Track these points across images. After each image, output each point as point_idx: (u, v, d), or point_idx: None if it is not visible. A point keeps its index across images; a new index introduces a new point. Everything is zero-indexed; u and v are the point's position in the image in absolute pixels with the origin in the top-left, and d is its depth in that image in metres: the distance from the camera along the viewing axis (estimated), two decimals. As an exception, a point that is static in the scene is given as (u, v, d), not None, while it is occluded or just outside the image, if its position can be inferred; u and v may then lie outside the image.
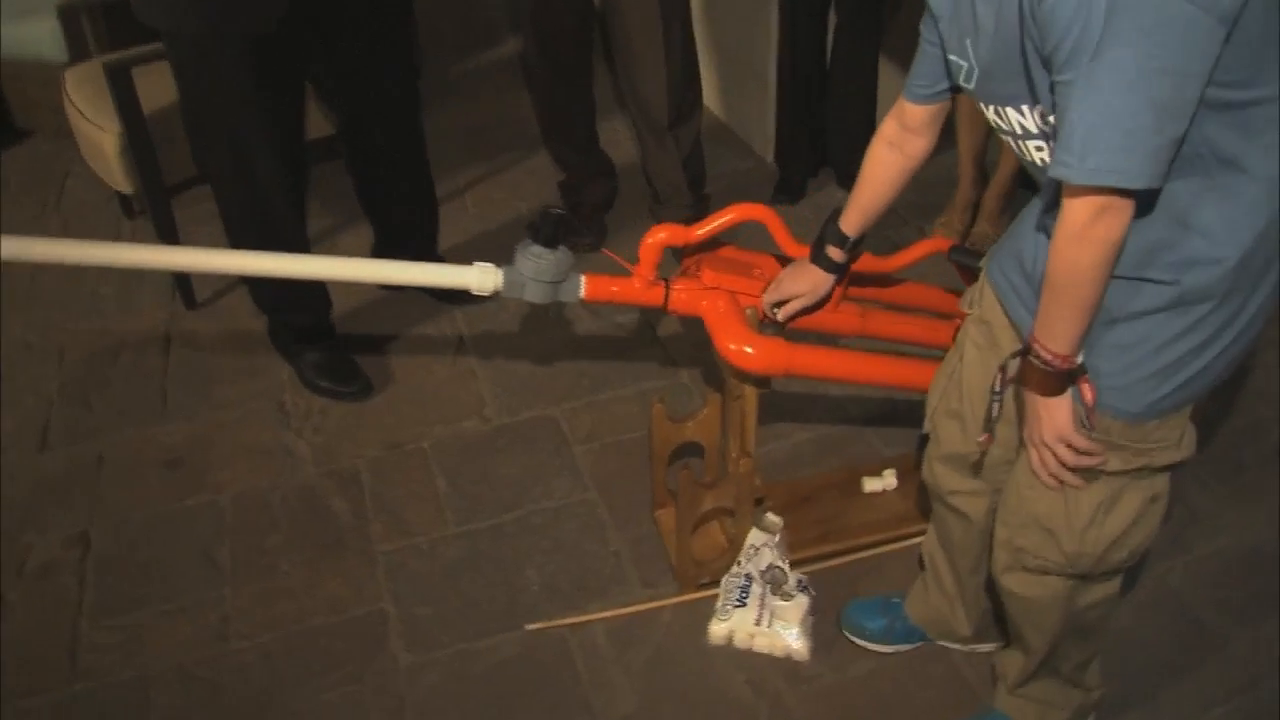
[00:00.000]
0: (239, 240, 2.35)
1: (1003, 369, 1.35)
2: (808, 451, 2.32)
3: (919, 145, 1.55)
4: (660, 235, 1.75)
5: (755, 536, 1.97)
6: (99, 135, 2.60)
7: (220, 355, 2.66)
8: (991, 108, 1.32)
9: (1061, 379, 1.27)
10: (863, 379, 1.86)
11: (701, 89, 2.83)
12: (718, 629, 1.91)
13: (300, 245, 2.41)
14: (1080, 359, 1.27)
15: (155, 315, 2.79)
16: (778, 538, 1.97)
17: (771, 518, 2.00)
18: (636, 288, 1.76)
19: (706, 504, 1.95)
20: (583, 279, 1.73)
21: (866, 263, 1.85)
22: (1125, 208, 1.13)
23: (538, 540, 2.13)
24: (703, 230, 1.77)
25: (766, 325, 1.80)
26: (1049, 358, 1.25)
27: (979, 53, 1.27)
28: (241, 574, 2.10)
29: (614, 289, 1.76)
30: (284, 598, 2.04)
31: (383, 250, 2.71)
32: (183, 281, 2.78)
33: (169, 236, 2.69)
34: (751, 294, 1.80)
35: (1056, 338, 1.24)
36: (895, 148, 1.56)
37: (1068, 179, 1.13)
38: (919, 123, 1.52)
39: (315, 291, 2.48)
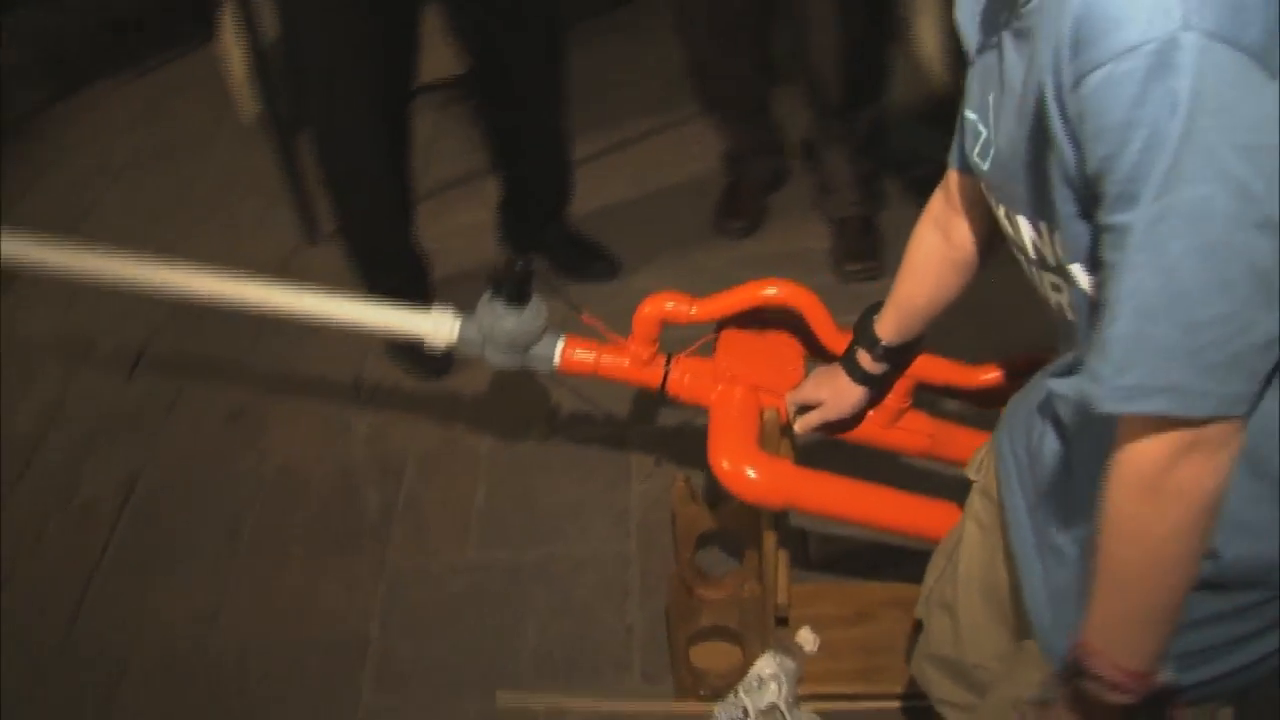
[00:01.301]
0: (333, 186, 2.20)
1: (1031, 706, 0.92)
2: (877, 551, 1.78)
3: (964, 232, 1.14)
4: (663, 306, 1.41)
5: (765, 665, 1.62)
6: (230, 53, 2.50)
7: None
8: (1001, 208, 0.92)
9: (1142, 711, 0.84)
10: (892, 526, 1.43)
11: (890, 68, 2.34)
12: (697, 764, 1.61)
13: (398, 198, 2.22)
14: (1167, 672, 0.84)
15: (281, 245, 2.71)
16: (794, 668, 1.61)
17: (804, 638, 1.65)
18: (626, 365, 1.44)
19: (703, 620, 1.62)
20: (559, 346, 1.43)
21: (946, 372, 1.43)
22: (1225, 437, 0.73)
23: (550, 594, 1.88)
24: (707, 311, 1.41)
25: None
26: (1117, 677, 0.82)
27: (1000, 121, 0.87)
28: (253, 555, 2.00)
29: (598, 364, 1.44)
30: (281, 596, 1.93)
31: (509, 206, 2.47)
32: (307, 213, 2.67)
33: (289, 170, 2.58)
34: (779, 391, 1.42)
35: (1125, 645, 0.82)
36: (939, 229, 1.15)
37: (1097, 403, 0.72)
38: (965, 199, 1.11)
39: (408, 253, 2.30)
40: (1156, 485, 0.74)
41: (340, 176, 2.16)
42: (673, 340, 1.44)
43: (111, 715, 1.77)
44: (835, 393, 1.34)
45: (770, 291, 1.39)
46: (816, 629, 1.68)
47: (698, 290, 1.43)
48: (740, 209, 2.53)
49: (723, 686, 1.65)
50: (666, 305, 1.40)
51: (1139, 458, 0.73)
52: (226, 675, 1.81)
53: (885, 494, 1.40)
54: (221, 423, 2.27)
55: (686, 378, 1.43)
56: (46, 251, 1.35)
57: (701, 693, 1.69)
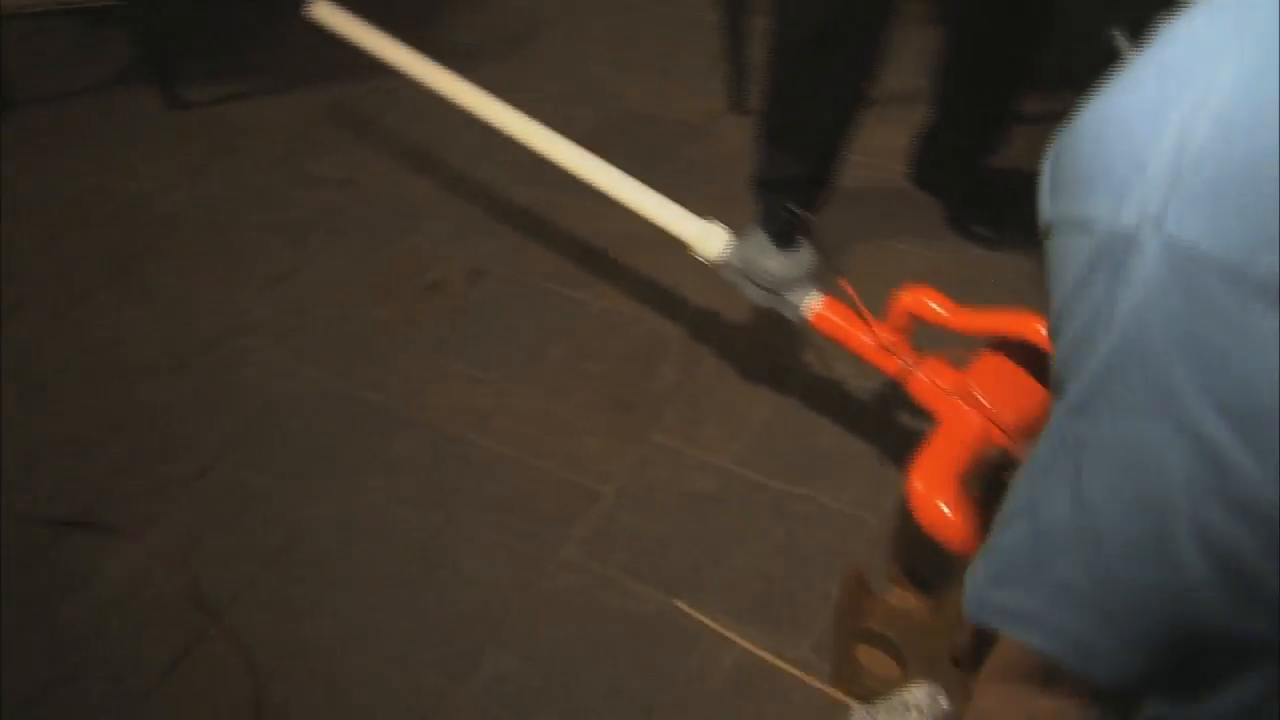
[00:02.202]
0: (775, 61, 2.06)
1: None
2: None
3: None
4: (924, 301, 1.31)
5: (918, 694, 1.52)
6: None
7: (713, 174, 2.56)
8: None
9: None
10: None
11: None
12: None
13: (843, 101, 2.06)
14: None
15: (708, 105, 2.75)
16: (944, 711, 1.50)
17: (943, 702, 1.53)
18: (868, 343, 1.35)
19: (869, 622, 1.54)
20: (813, 301, 1.37)
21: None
22: (1111, 698, 0.62)
23: (777, 531, 1.84)
24: (963, 322, 1.28)
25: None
26: None
27: None
28: (548, 378, 2.13)
29: (846, 331, 1.37)
30: (551, 425, 2.05)
31: (933, 139, 2.33)
32: (741, 80, 2.67)
33: (733, 31, 2.59)
34: (1013, 436, 1.29)
35: None
36: None
37: (967, 603, 0.63)
38: None
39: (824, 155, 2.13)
40: (1018, 703, 0.60)
41: (782, 53, 2.02)
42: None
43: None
44: None
45: (1016, 325, 1.25)
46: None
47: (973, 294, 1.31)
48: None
49: (874, 691, 1.58)
50: (927, 302, 1.30)
51: (1010, 667, 0.60)
52: (475, 469, 1.98)
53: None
54: (577, 256, 2.40)
55: (924, 385, 1.33)
56: (355, 28, 1.47)
57: (854, 688, 1.63)
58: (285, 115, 3.01)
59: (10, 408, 2.21)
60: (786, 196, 1.94)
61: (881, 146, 2.52)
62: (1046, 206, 0.55)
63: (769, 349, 2.15)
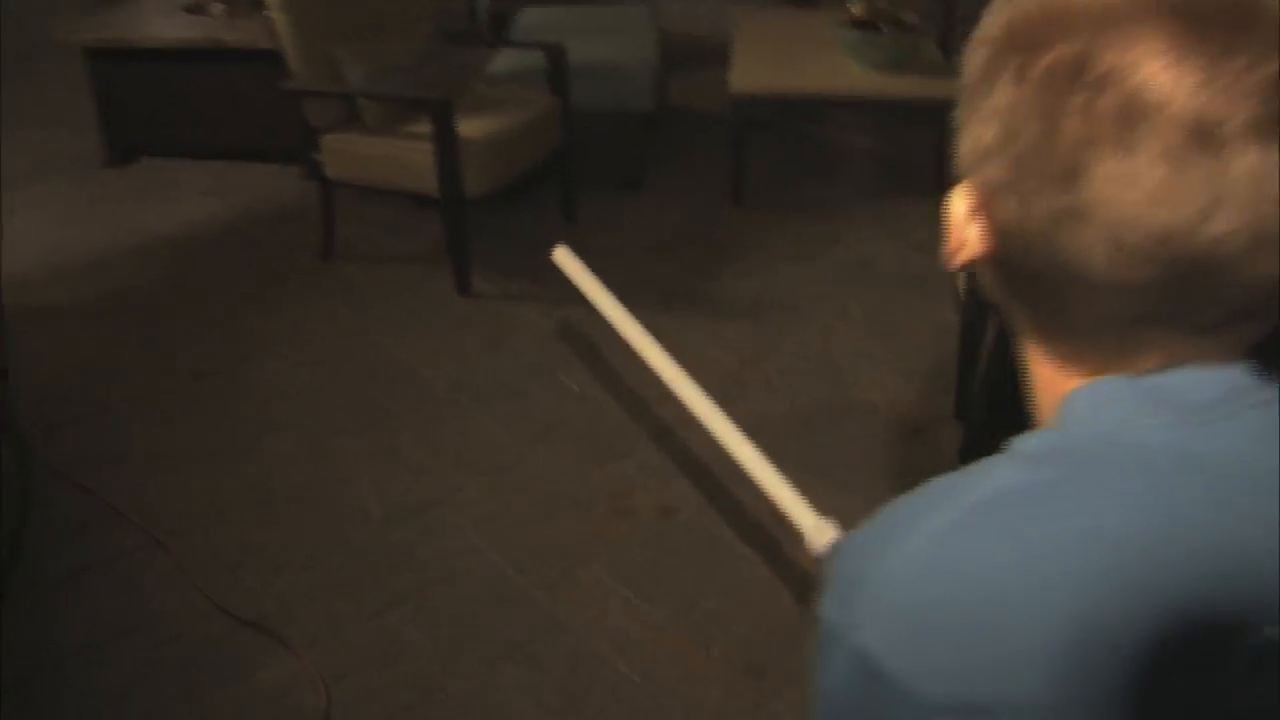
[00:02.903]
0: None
1: None
2: None
3: None
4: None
5: None
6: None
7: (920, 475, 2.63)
8: None
9: None
10: None
11: None
12: None
13: None
14: None
15: (935, 408, 2.85)
16: None
17: None
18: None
19: None
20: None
21: None
22: None
23: None
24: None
25: None
26: None
27: None
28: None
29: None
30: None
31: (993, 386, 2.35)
32: (961, 389, 2.77)
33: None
34: None
35: None
36: None
37: None
38: None
39: None
40: None
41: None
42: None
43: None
44: None
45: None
46: None
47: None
48: None
49: None
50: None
51: None
52: (604, 687, 2.07)
53: None
54: (762, 517, 2.52)
55: None
56: (584, 277, 1.67)
57: None
58: (551, 323, 3.34)
59: (244, 513, 2.51)
60: None
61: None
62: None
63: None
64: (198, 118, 4.55)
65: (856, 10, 4.19)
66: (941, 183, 2.73)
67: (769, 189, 4.30)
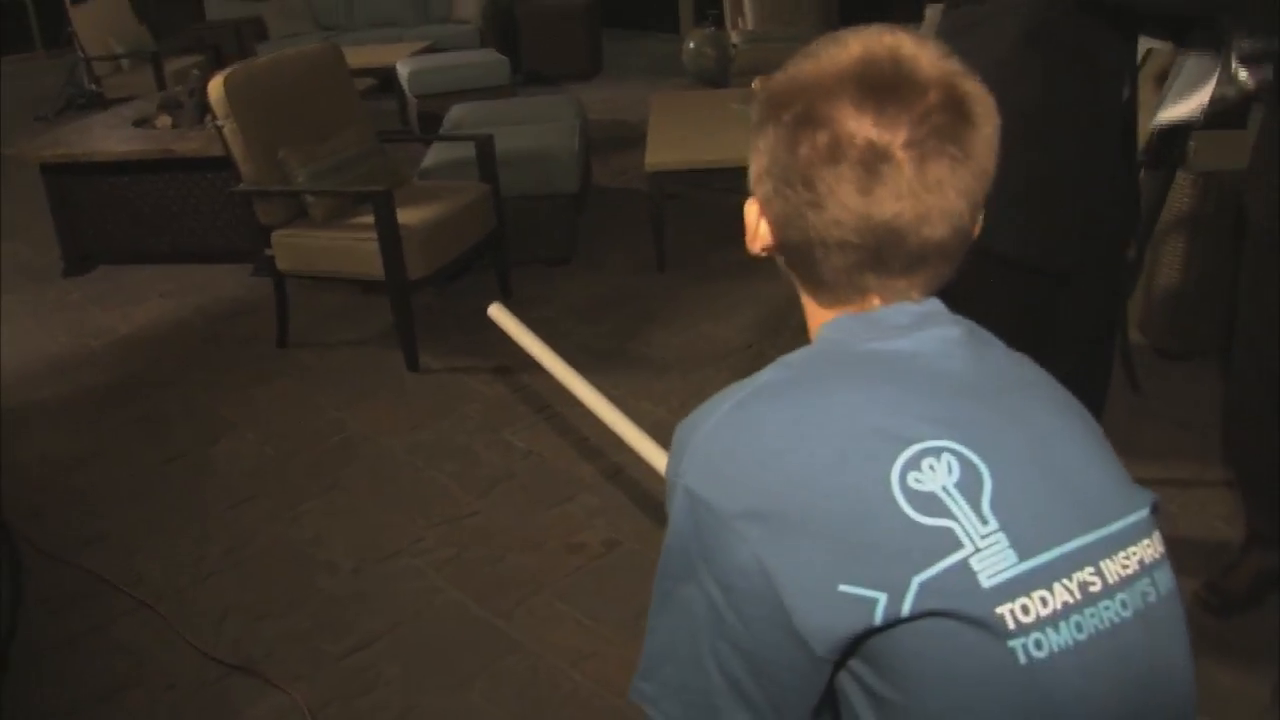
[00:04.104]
0: None
1: None
2: None
3: None
4: None
5: None
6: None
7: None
8: None
9: None
10: None
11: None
12: None
13: None
14: None
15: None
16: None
17: None
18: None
19: None
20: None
21: None
22: None
23: None
24: None
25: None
26: None
27: None
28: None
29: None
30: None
31: None
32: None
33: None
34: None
35: None
36: None
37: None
38: None
39: None
40: None
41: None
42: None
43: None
44: None
45: None
46: None
47: None
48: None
49: None
50: None
51: None
52: (562, 695, 2.32)
53: None
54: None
55: None
56: (520, 332, 1.95)
57: None
58: (495, 391, 3.62)
59: (224, 575, 2.74)
60: None
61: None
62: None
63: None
64: (151, 225, 4.83)
65: (757, 86, 4.59)
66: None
67: (689, 254, 4.65)
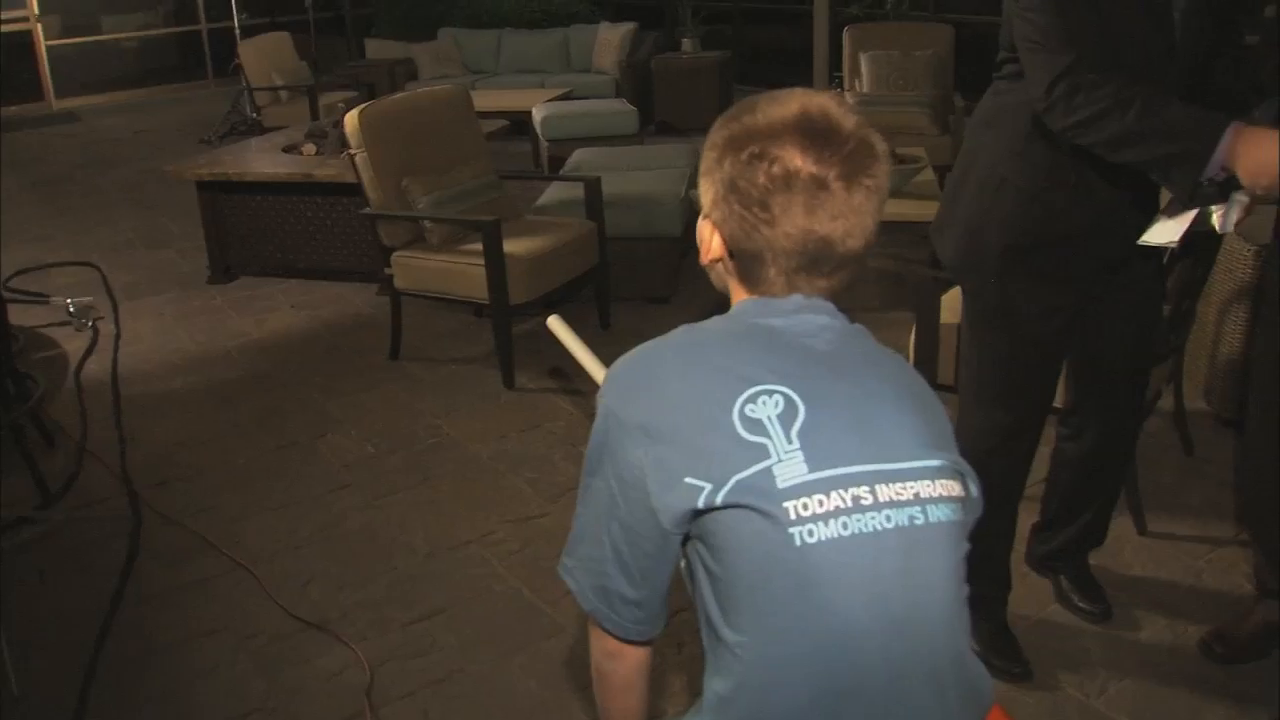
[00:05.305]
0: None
1: None
2: None
3: None
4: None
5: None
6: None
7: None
8: None
9: None
10: None
11: None
12: None
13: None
14: None
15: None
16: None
17: None
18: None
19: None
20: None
21: None
22: (617, 648, 1.26)
23: None
24: None
25: None
26: None
27: None
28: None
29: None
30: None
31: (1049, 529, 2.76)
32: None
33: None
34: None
35: None
36: None
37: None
38: None
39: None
40: (596, 640, 1.29)
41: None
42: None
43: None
44: None
45: None
46: None
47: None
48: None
49: None
50: None
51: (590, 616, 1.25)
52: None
53: None
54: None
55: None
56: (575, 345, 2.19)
57: None
58: (580, 410, 3.89)
59: (313, 547, 3.07)
60: None
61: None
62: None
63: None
64: (289, 242, 5.30)
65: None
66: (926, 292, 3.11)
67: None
